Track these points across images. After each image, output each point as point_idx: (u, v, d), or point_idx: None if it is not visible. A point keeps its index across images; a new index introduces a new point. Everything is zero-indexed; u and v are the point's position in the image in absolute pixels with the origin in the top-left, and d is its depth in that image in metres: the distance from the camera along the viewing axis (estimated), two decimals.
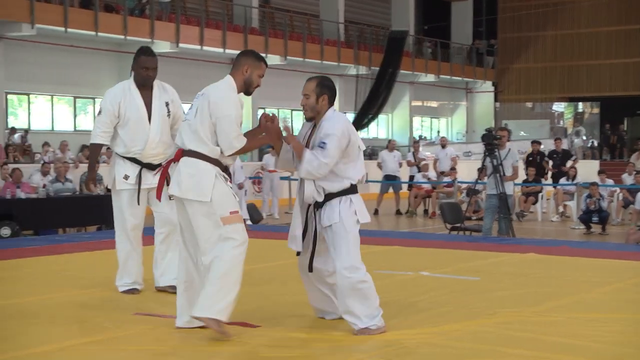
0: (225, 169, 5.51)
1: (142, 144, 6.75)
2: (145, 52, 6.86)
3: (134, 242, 6.90)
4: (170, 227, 6.82)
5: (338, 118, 5.59)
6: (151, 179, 6.81)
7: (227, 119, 5.40)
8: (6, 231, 13.19)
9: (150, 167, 6.83)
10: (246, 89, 5.61)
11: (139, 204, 6.84)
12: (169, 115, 6.86)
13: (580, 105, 38.33)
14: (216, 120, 5.40)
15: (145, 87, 6.82)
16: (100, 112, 6.84)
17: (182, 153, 5.50)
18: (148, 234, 7.08)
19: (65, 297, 6.80)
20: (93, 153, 6.95)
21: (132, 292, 6.86)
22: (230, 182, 5.57)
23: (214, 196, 5.37)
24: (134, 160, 6.81)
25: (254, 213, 14.88)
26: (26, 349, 5.12)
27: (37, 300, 6.65)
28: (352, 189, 5.58)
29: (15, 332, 5.57)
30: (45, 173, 15.78)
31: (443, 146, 21.55)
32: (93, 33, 22.12)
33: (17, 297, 6.76)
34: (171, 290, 6.74)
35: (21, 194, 14.26)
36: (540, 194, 18.90)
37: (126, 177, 6.79)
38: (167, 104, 6.87)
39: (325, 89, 5.60)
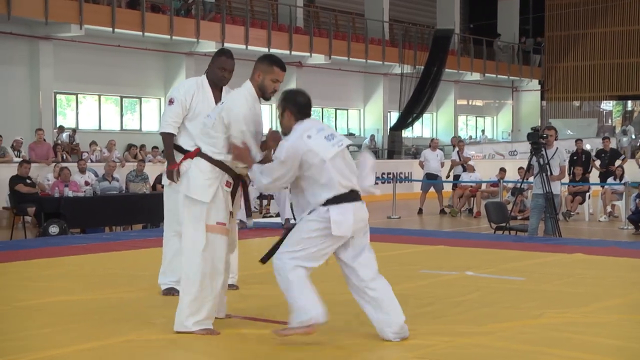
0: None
1: None
2: (225, 54, 6.81)
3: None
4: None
5: (291, 136, 5.32)
6: None
7: (236, 118, 5.47)
8: (54, 229, 13.36)
9: None
10: (262, 94, 5.58)
11: None
12: None
13: (630, 103, 37.80)
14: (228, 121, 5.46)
15: (216, 87, 6.77)
16: (172, 102, 6.72)
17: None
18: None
19: (112, 294, 6.88)
20: (168, 143, 6.70)
21: (171, 293, 6.75)
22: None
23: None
24: None
25: None
26: (73, 345, 5.18)
27: (84, 299, 6.72)
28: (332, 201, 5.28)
29: (66, 329, 5.63)
30: (82, 170, 15.96)
31: (434, 148, 20.90)
32: (140, 33, 22.35)
33: (65, 295, 6.85)
34: (230, 288, 6.79)
35: (69, 193, 14.44)
36: (587, 194, 18.67)
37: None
38: None
39: (284, 102, 5.41)
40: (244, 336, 5.47)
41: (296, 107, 5.36)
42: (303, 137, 5.24)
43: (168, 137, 6.72)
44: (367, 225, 5.39)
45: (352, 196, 5.27)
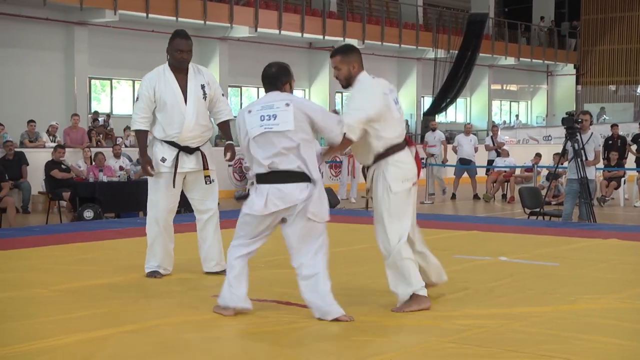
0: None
1: (179, 127, 6.76)
2: (179, 35, 6.85)
3: (163, 226, 6.97)
4: (206, 214, 7.00)
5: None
6: (188, 163, 6.88)
7: None
8: (89, 214, 13.49)
9: (188, 150, 6.86)
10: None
11: (174, 186, 6.91)
12: (205, 98, 6.85)
13: None
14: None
15: (180, 70, 6.82)
16: (137, 99, 6.87)
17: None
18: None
19: (148, 278, 6.94)
20: (140, 139, 6.96)
21: (154, 275, 6.92)
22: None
23: None
24: (172, 143, 6.83)
25: (331, 197, 14.91)
26: (112, 328, 5.24)
27: (120, 283, 6.81)
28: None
29: (103, 312, 5.71)
30: (117, 155, 16.10)
31: (467, 133, 20.74)
32: (173, 18, 22.44)
33: (101, 279, 6.93)
34: (224, 274, 6.85)
35: (104, 178, 14.57)
36: (622, 179, 18.48)
37: (163, 160, 6.83)
38: (202, 87, 6.85)
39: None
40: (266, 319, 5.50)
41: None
42: (244, 111, 5.52)
43: (139, 134, 6.96)
44: (297, 210, 5.35)
45: (270, 178, 5.37)
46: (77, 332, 5.12)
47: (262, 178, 5.41)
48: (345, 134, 5.49)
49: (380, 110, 5.61)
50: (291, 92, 5.59)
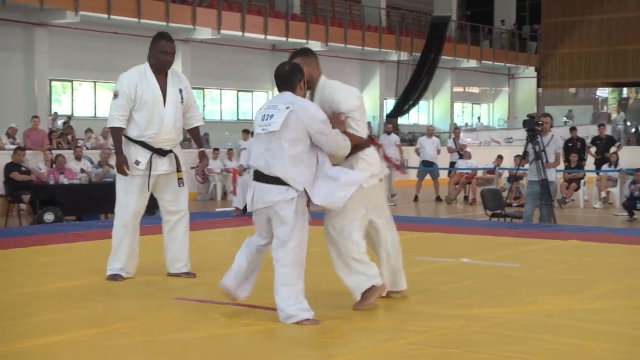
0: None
1: (157, 129, 6.74)
2: (164, 37, 6.86)
3: (131, 228, 6.90)
4: (176, 215, 6.97)
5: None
6: (161, 165, 6.84)
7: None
8: (49, 216, 13.36)
9: (161, 152, 6.83)
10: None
11: (149, 189, 6.88)
12: (182, 102, 6.88)
13: (625, 90, 37.77)
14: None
15: (161, 72, 6.81)
16: (116, 96, 6.79)
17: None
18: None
19: (106, 281, 6.89)
20: (117, 137, 6.82)
21: (115, 278, 6.86)
22: None
23: None
24: (145, 145, 6.79)
25: None
26: (78, 331, 5.21)
27: (83, 285, 6.75)
28: None
29: (68, 315, 5.66)
30: (78, 157, 15.97)
31: (429, 135, 20.90)
32: (136, 20, 22.27)
33: (64, 281, 6.86)
34: (186, 276, 6.93)
35: (64, 180, 14.44)
36: (582, 181, 18.69)
37: (137, 163, 6.77)
38: (180, 91, 6.88)
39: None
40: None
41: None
42: (258, 110, 5.66)
43: (116, 131, 6.83)
44: (273, 210, 5.42)
45: (256, 175, 5.49)
46: (41, 335, 5.10)
47: (255, 175, 5.53)
48: (356, 135, 5.59)
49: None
50: (304, 90, 5.59)
